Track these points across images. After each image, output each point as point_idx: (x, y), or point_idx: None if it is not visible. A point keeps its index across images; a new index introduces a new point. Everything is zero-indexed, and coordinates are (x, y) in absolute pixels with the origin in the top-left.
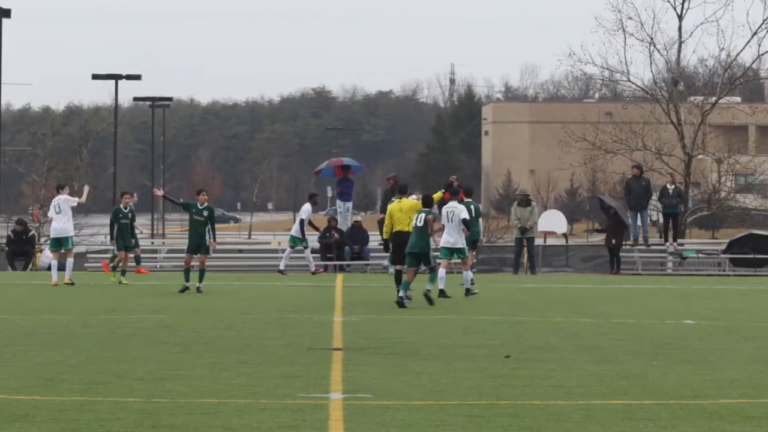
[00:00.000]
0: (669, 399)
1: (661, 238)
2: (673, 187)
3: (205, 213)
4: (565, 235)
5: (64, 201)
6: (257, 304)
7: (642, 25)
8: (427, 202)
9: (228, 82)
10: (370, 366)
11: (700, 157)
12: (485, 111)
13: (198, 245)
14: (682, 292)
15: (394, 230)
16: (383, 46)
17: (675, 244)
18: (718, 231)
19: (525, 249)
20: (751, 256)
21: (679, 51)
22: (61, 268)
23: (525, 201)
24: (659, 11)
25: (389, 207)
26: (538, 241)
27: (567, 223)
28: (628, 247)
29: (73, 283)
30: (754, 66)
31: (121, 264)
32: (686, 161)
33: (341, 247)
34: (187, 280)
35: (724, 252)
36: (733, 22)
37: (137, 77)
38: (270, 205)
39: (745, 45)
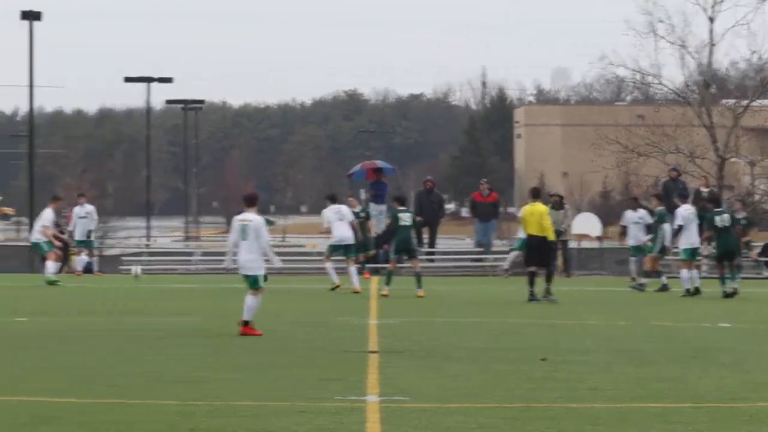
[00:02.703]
0: (706, 402)
1: None
2: (707, 190)
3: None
4: (599, 238)
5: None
6: (292, 306)
7: (673, 28)
8: (716, 201)
9: (260, 85)
10: (406, 368)
11: (732, 160)
12: (517, 114)
13: None
14: (718, 294)
15: (526, 233)
16: (415, 49)
17: (710, 247)
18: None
19: (560, 252)
20: None
21: (710, 54)
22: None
23: (558, 203)
24: (690, 14)
25: (523, 210)
26: (572, 244)
27: (601, 225)
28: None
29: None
30: None
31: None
32: (719, 164)
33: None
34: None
35: (761, 255)
36: (764, 25)
37: (169, 80)
38: (303, 208)
39: None
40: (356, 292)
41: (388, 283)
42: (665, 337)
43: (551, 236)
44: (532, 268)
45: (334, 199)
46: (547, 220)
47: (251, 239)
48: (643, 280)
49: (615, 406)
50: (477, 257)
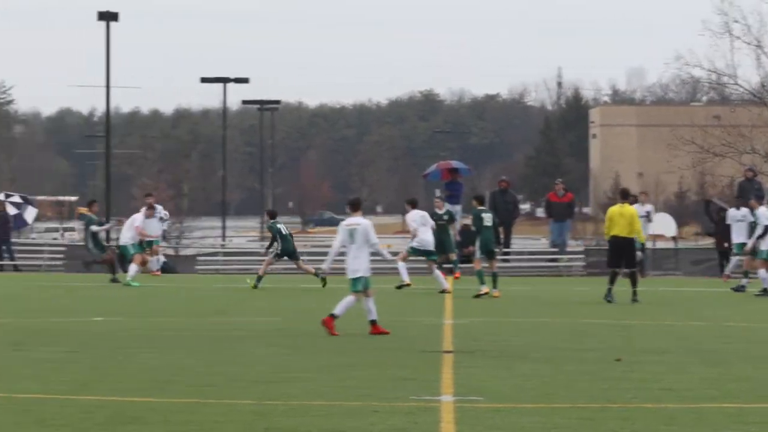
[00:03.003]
0: None
1: None
2: None
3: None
4: (674, 238)
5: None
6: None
7: (749, 28)
8: None
9: (335, 85)
10: (480, 368)
11: None
12: (593, 114)
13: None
14: None
15: (611, 233)
16: (490, 50)
17: None
18: None
19: None
20: None
21: None
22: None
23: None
24: (766, 14)
25: (609, 211)
26: (647, 244)
27: (676, 226)
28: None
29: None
30: None
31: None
32: None
33: None
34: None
35: None
36: None
37: (245, 80)
38: (379, 208)
39: None
40: (445, 291)
41: (482, 282)
42: (741, 337)
43: (642, 239)
44: (616, 269)
45: (415, 204)
46: (638, 223)
47: (359, 243)
48: (744, 281)
49: (690, 406)
50: (552, 257)
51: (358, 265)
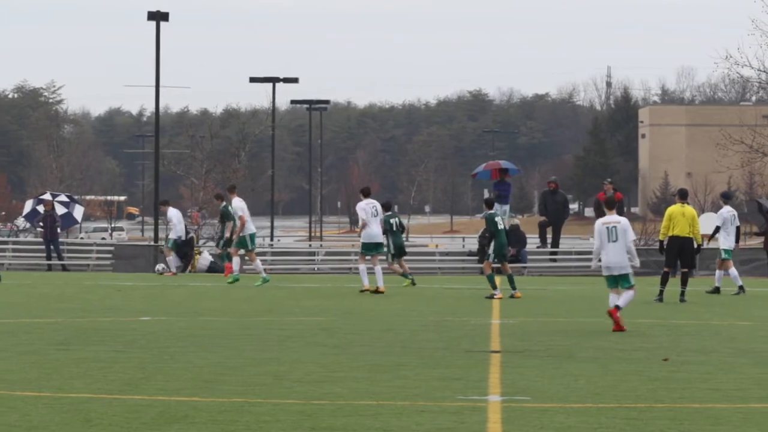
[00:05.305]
0: None
1: None
2: None
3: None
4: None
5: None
6: (414, 306)
7: None
8: None
9: (384, 85)
10: (528, 368)
11: None
12: (642, 114)
13: None
14: None
15: (672, 233)
16: (540, 49)
17: None
18: None
19: None
20: None
21: None
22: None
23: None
24: None
25: (670, 210)
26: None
27: None
28: None
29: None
30: None
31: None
32: None
33: None
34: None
35: None
36: None
37: (294, 80)
38: (427, 208)
39: None
40: (379, 292)
41: (495, 286)
42: None
43: (699, 240)
44: (669, 269)
45: (367, 193)
46: (698, 224)
47: (621, 240)
48: None
49: (737, 406)
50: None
51: (622, 261)
